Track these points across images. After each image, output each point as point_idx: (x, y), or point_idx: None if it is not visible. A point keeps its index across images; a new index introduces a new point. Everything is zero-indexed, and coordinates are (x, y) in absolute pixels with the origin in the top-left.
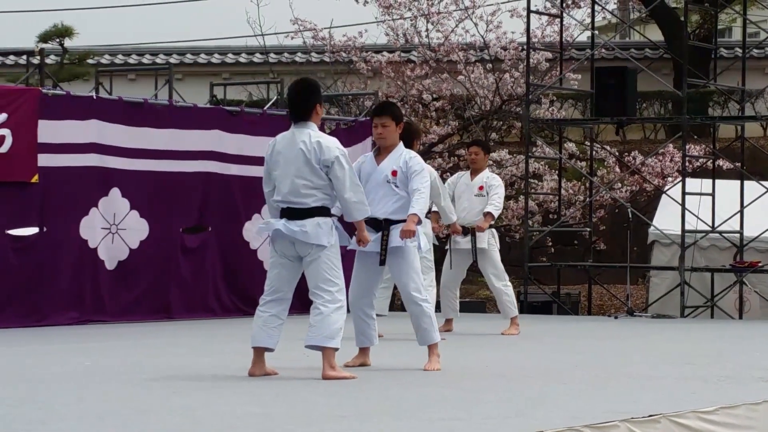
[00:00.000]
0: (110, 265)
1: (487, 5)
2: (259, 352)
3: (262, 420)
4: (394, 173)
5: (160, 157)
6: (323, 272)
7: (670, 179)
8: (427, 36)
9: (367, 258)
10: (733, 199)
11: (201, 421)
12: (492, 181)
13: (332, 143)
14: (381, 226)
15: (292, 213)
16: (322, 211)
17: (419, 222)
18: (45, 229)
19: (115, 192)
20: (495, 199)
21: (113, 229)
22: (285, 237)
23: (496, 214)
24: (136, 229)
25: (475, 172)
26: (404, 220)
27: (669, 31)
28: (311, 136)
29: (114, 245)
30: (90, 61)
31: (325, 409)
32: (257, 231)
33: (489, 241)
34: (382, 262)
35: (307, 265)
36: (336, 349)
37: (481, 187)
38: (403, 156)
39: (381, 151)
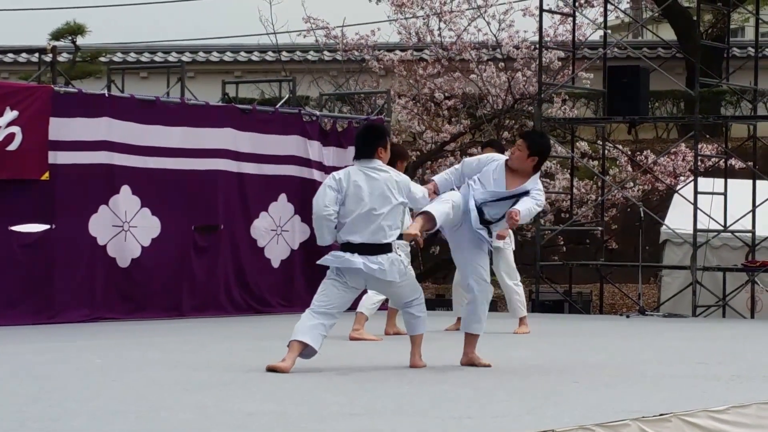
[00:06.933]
0: (123, 262)
1: (500, 4)
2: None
3: (275, 417)
4: None
5: (171, 155)
6: None
7: (682, 178)
8: (440, 35)
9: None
10: (745, 199)
11: (213, 418)
12: None
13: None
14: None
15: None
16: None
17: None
18: (55, 227)
19: (125, 189)
20: None
21: (126, 227)
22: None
23: None
24: (147, 226)
25: None
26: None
27: (681, 31)
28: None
29: (127, 243)
30: (102, 58)
31: (337, 407)
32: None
33: (504, 240)
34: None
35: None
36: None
37: None
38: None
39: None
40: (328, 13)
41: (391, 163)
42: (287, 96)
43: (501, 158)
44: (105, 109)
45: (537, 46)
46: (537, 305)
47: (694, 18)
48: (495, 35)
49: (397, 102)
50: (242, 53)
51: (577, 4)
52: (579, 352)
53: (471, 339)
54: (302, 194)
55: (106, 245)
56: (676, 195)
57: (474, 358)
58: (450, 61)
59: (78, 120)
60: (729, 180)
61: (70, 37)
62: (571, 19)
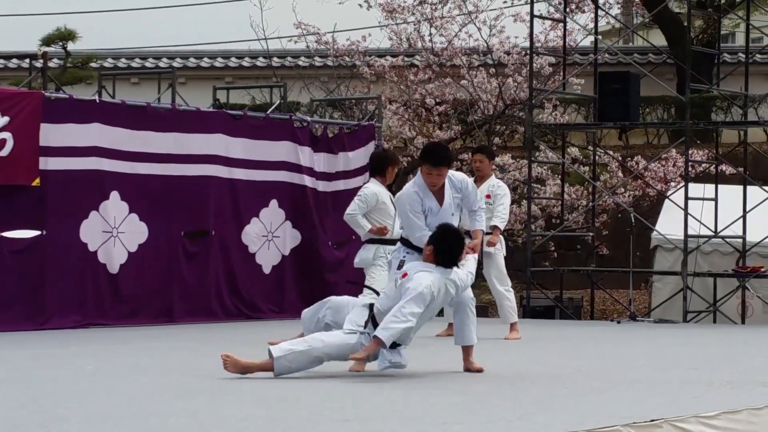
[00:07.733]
0: (113, 268)
1: (491, 10)
2: None
3: (266, 423)
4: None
5: (162, 161)
6: None
7: (672, 184)
8: (431, 40)
9: None
10: (735, 204)
11: (204, 423)
12: (498, 190)
13: None
14: None
15: None
16: None
17: None
18: (46, 232)
19: (114, 195)
20: (501, 211)
21: (114, 233)
22: None
23: (502, 226)
24: (134, 232)
25: (480, 180)
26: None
27: (672, 36)
28: None
29: (115, 249)
30: (93, 64)
31: (328, 412)
32: None
33: (495, 246)
34: None
35: None
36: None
37: (488, 195)
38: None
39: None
40: (319, 19)
41: (383, 168)
42: (278, 102)
43: (410, 186)
44: (96, 115)
45: (528, 51)
46: (528, 311)
47: (685, 24)
48: (486, 41)
49: (388, 108)
50: (233, 59)
51: (567, 9)
52: (570, 358)
53: (467, 349)
54: (293, 200)
55: (96, 251)
56: (666, 201)
57: (470, 364)
58: (441, 67)
59: (69, 126)
60: (720, 185)
61: (60, 43)
62: (561, 24)
